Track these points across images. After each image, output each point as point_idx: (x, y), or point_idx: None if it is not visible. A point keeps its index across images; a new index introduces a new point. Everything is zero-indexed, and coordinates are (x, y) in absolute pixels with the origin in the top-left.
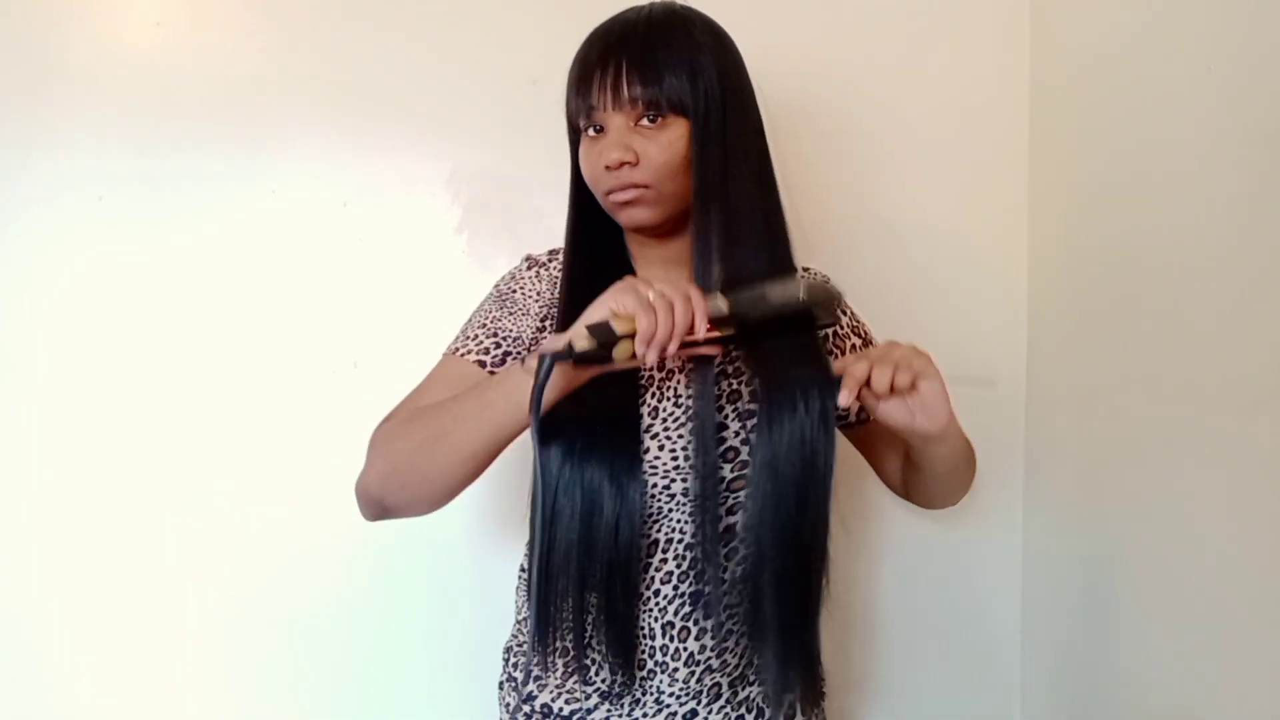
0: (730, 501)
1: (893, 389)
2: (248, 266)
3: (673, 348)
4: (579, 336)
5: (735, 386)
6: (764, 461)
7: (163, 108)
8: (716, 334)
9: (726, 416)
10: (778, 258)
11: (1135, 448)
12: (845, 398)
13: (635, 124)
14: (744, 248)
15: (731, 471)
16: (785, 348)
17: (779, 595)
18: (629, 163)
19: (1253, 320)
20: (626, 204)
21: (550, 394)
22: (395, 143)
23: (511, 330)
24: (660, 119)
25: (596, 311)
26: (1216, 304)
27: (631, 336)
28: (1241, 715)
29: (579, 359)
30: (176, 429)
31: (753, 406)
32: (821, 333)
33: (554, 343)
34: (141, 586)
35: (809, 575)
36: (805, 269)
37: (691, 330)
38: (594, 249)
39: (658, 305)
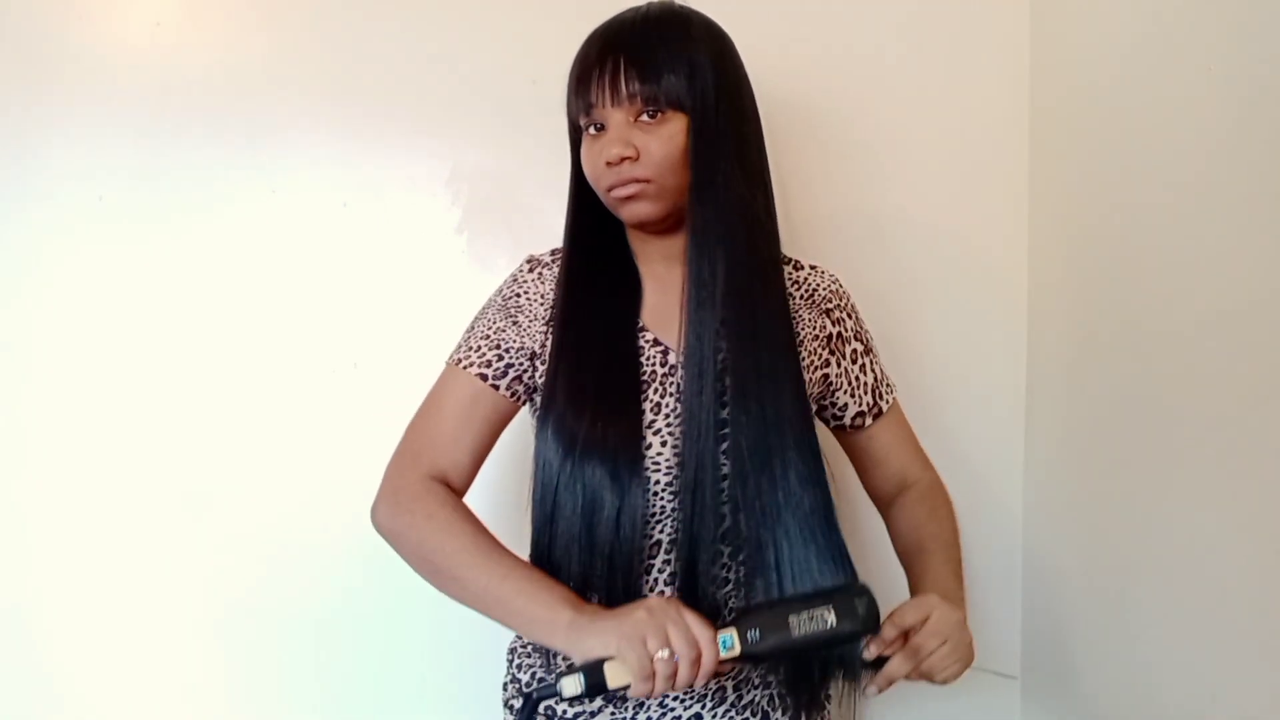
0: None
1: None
2: (248, 266)
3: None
4: (571, 682)
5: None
6: None
7: (163, 107)
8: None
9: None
10: (767, 258)
11: (1135, 448)
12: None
13: (635, 120)
14: (733, 244)
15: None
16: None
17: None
18: (629, 158)
19: (1253, 320)
20: (628, 199)
21: None
22: (395, 143)
23: (515, 341)
24: (659, 114)
25: (600, 643)
26: (1217, 304)
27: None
28: (1242, 714)
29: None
30: (176, 428)
31: None
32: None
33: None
34: (139, 586)
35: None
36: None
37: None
38: (594, 248)
39: (659, 670)
